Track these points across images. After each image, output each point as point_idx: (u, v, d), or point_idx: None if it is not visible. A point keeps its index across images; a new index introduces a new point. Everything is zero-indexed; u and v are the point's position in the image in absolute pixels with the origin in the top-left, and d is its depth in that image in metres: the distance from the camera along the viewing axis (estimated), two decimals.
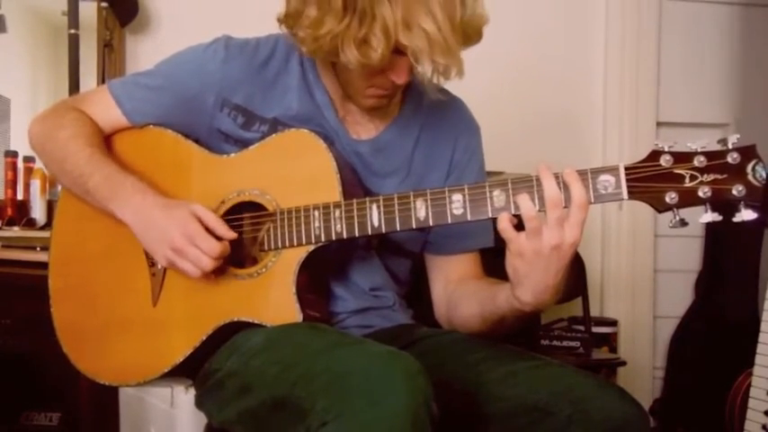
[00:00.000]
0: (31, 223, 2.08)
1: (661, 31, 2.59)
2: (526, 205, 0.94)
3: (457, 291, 1.21)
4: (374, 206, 1.04)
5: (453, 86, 1.29)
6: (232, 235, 1.09)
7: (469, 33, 1.02)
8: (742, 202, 0.90)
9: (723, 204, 0.91)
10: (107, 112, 1.22)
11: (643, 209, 0.96)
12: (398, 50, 1.00)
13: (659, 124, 2.56)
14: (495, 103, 1.84)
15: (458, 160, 1.24)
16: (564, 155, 2.44)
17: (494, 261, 1.26)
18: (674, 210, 0.93)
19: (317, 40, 1.02)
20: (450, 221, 1.00)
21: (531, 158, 1.97)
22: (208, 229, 1.08)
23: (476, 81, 1.60)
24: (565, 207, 0.93)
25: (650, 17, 2.56)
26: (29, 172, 2.14)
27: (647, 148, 0.93)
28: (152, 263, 1.16)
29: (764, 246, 2.49)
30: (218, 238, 1.08)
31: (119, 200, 1.13)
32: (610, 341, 2.41)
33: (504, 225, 0.95)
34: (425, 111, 1.24)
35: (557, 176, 0.94)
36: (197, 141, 1.20)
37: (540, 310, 1.02)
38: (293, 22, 1.06)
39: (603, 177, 0.93)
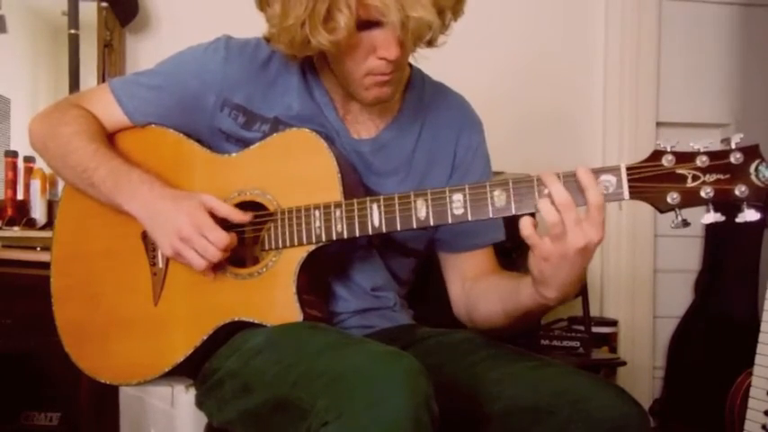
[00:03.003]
0: (31, 223, 2.08)
1: (661, 32, 2.58)
2: (547, 209, 0.93)
3: (475, 288, 1.20)
4: (375, 206, 1.04)
5: (453, 86, 1.29)
6: (247, 218, 1.10)
7: None
8: (745, 203, 0.90)
9: (725, 205, 0.91)
10: (108, 110, 1.22)
11: (643, 209, 0.96)
12: (376, 23, 1.01)
13: (659, 124, 2.55)
14: (495, 102, 1.84)
15: (461, 158, 1.24)
16: (563, 155, 2.45)
17: (499, 261, 1.26)
18: (676, 210, 0.92)
19: (289, 31, 1.03)
20: (450, 221, 1.00)
21: (530, 158, 1.98)
22: (218, 219, 1.08)
23: (475, 81, 1.60)
24: (578, 206, 0.93)
25: (650, 17, 2.55)
26: (29, 172, 2.14)
27: (646, 148, 0.93)
28: (153, 262, 1.16)
29: (764, 246, 2.49)
30: (233, 226, 1.08)
31: (125, 192, 1.13)
32: (610, 341, 2.40)
33: (529, 232, 0.95)
34: (426, 109, 1.23)
35: (567, 176, 0.94)
36: (198, 141, 1.20)
37: (565, 301, 1.03)
38: (269, 26, 1.08)
39: (605, 177, 0.93)
